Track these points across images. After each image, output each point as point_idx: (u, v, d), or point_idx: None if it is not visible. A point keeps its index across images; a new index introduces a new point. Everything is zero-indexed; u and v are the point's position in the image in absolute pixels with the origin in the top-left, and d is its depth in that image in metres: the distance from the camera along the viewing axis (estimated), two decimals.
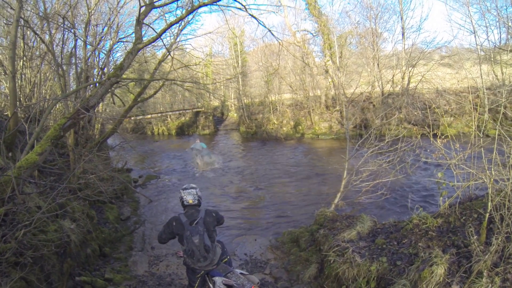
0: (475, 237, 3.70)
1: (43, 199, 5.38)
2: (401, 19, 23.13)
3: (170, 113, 35.39)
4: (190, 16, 11.20)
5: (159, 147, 27.30)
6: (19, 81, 9.70)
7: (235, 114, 36.37)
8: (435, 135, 4.93)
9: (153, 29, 6.98)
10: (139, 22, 5.98)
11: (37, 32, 9.50)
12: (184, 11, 7.49)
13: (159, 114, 34.79)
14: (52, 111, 9.51)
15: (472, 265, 3.52)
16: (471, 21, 19.63)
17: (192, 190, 4.26)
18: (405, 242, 4.42)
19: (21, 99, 10.00)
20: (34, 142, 5.48)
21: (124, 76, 6.33)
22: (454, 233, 4.13)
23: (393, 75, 22.63)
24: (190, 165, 18.17)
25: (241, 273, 4.03)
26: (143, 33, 6.19)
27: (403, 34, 23.15)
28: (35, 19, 10.56)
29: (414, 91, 21.38)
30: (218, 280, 3.85)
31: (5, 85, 12.01)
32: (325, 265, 5.11)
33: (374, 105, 23.24)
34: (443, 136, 4.85)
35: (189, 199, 4.19)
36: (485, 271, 3.39)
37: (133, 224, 9.37)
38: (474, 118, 4.57)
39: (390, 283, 3.96)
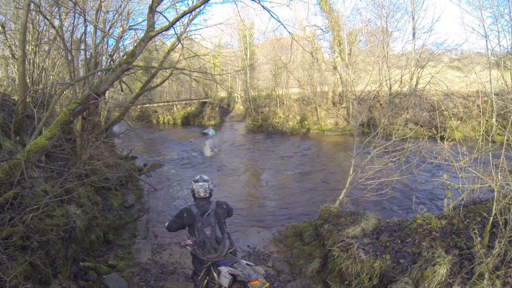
0: (478, 239, 3.71)
1: (50, 183, 5.42)
2: (413, 19, 22.99)
3: (177, 102, 35.46)
4: (202, 6, 11.13)
5: (164, 136, 27.42)
6: (27, 66, 9.73)
7: (241, 106, 36.45)
8: (442, 138, 4.91)
9: (165, 17, 6.98)
10: (152, 9, 5.94)
11: (47, 16, 9.49)
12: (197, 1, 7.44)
13: (166, 103, 34.85)
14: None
15: (474, 267, 3.53)
16: (484, 25, 19.38)
17: (205, 183, 4.29)
18: (409, 241, 4.43)
19: (29, 84, 10.05)
20: (42, 127, 5.50)
21: (134, 63, 6.32)
22: (457, 234, 4.14)
23: (402, 75, 22.53)
24: (194, 155, 18.31)
25: (247, 264, 4.04)
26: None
27: (413, 34, 23.01)
28: (45, 4, 10.52)
29: (422, 92, 21.27)
30: (224, 269, 3.88)
31: (13, 69, 12.06)
32: (329, 260, 5.14)
33: (381, 104, 23.18)
34: (449, 139, 4.83)
35: (201, 192, 4.24)
36: (487, 273, 3.40)
37: (137, 211, 9.45)
38: (482, 123, 4.55)
39: (393, 280, 3.98)
